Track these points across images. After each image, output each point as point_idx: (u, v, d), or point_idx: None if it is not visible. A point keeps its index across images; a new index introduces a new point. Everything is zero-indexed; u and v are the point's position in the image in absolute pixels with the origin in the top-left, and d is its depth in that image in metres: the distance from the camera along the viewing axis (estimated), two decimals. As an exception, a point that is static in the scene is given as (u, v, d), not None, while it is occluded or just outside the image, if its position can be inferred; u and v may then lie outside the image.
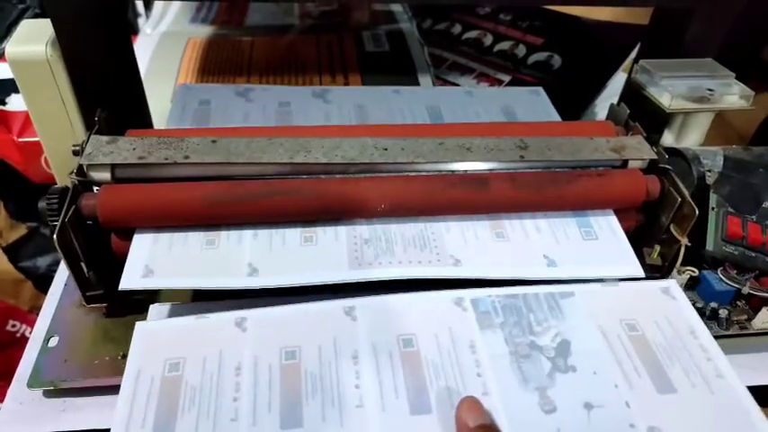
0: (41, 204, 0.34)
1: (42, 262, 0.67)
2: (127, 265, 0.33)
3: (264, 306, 0.33)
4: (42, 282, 0.67)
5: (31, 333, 0.37)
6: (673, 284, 0.36)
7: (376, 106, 0.49)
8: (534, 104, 0.52)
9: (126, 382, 0.29)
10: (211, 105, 0.48)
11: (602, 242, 0.37)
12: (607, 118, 0.45)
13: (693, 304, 0.38)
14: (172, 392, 0.28)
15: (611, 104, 0.45)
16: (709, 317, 0.38)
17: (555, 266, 0.35)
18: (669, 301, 0.34)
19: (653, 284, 0.35)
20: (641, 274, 0.36)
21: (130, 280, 0.32)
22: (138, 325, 0.32)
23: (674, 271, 0.38)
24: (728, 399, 0.29)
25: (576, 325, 0.32)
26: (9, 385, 0.34)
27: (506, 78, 0.69)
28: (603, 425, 0.28)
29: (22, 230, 0.68)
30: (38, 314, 0.38)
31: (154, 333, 0.31)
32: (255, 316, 0.32)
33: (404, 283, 0.34)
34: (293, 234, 0.36)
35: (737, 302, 0.39)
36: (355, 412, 0.28)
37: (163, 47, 0.69)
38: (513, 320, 0.32)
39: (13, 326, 0.65)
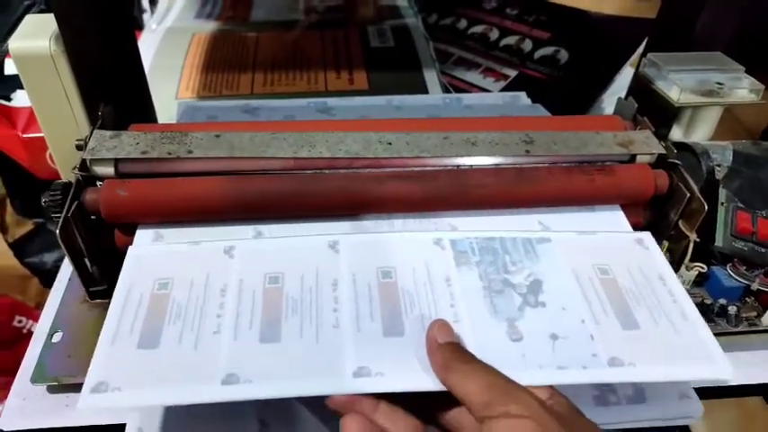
0: (44, 199, 0.34)
1: (49, 258, 0.68)
2: (138, 231, 0.35)
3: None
4: (49, 277, 0.67)
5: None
6: (647, 236, 0.36)
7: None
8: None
9: (117, 295, 0.31)
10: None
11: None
12: (615, 112, 0.44)
13: (702, 300, 0.38)
14: (159, 307, 0.30)
15: (619, 98, 0.44)
16: (717, 313, 0.37)
17: (549, 230, 0.37)
18: (642, 251, 0.35)
19: (628, 235, 0.37)
20: (629, 231, 0.37)
21: (143, 244, 0.34)
22: (131, 249, 0.33)
23: (683, 267, 0.37)
24: (691, 338, 0.30)
25: (549, 267, 0.34)
26: (15, 380, 0.34)
27: (513, 73, 0.68)
28: (567, 353, 0.29)
29: (28, 226, 0.68)
30: (43, 310, 0.38)
31: (145, 256, 0.33)
32: (244, 246, 0.34)
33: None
34: None
35: (747, 299, 0.39)
36: (332, 332, 0.29)
37: (167, 42, 0.69)
38: (488, 260, 0.34)
39: (20, 321, 0.66)
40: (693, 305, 0.32)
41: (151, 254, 0.33)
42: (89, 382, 0.27)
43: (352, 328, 0.30)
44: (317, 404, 0.31)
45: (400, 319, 0.30)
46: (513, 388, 0.25)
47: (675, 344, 0.30)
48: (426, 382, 0.27)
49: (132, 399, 0.27)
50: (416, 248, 0.34)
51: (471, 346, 0.29)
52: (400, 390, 0.27)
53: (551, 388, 0.27)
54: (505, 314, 0.31)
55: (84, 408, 0.26)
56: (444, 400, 0.27)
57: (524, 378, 0.27)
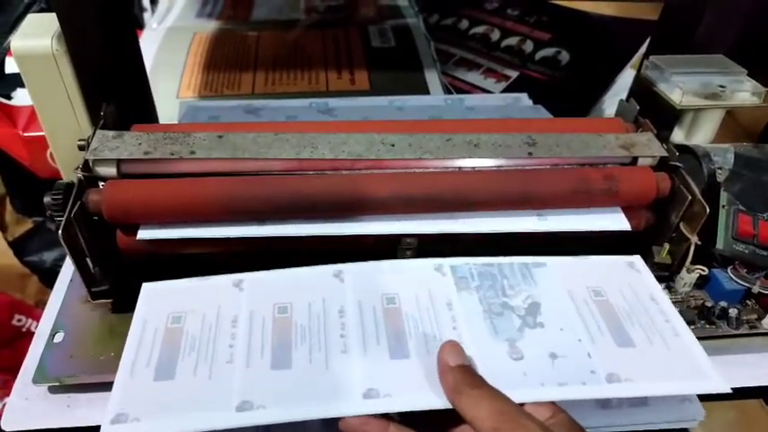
0: (47, 199, 0.34)
1: (48, 256, 0.68)
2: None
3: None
4: (48, 276, 0.67)
5: (36, 327, 0.36)
6: (637, 259, 0.37)
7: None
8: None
9: (132, 330, 0.32)
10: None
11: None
12: (616, 114, 0.44)
13: (703, 303, 0.38)
14: (173, 340, 0.31)
15: (621, 100, 0.44)
16: (718, 316, 0.37)
17: (545, 220, 0.37)
18: (634, 274, 0.37)
19: (620, 259, 0.38)
20: (627, 227, 0.37)
21: (149, 231, 0.35)
22: (145, 285, 0.34)
23: (684, 269, 0.38)
24: (683, 354, 0.31)
25: (546, 290, 0.35)
26: (15, 379, 0.34)
27: (514, 74, 0.68)
28: (566, 371, 0.30)
29: (27, 225, 0.68)
30: (43, 309, 0.38)
31: (158, 292, 0.34)
32: (252, 278, 0.35)
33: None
34: None
35: (747, 301, 0.39)
36: (340, 357, 0.30)
37: (169, 41, 0.69)
38: (488, 284, 0.35)
39: (19, 320, 0.66)
40: (685, 324, 0.33)
41: (164, 289, 0.34)
42: (109, 413, 0.28)
43: (359, 352, 0.31)
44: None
45: (405, 342, 0.31)
46: (520, 416, 0.26)
47: (669, 360, 0.31)
48: (432, 400, 0.28)
49: (151, 428, 0.27)
50: (418, 275, 0.35)
51: (474, 366, 0.30)
52: (408, 409, 0.28)
53: (553, 405, 0.28)
54: (506, 335, 0.32)
55: None
56: (452, 417, 0.28)
57: (527, 395, 0.28)
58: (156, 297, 0.34)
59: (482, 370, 0.29)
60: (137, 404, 0.28)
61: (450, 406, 0.28)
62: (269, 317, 0.32)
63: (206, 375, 0.29)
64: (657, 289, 0.35)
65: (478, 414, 0.26)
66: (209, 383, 0.29)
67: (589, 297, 0.34)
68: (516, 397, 0.27)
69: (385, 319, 0.32)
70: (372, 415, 0.28)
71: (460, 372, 0.28)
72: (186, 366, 0.30)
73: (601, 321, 0.33)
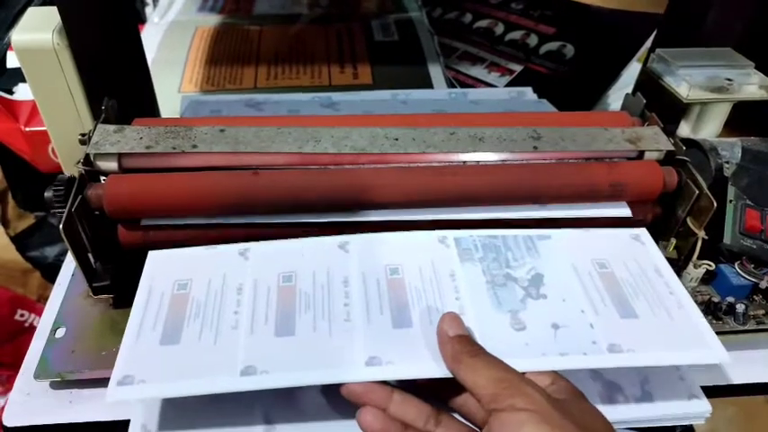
0: (48, 194, 0.34)
1: (50, 251, 0.68)
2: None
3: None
4: (50, 271, 0.67)
5: (39, 323, 0.36)
6: (643, 232, 0.37)
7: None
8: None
9: (139, 296, 0.32)
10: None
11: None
12: (622, 108, 0.44)
13: (709, 298, 0.38)
14: (180, 306, 0.32)
15: (627, 94, 0.44)
16: (725, 311, 0.37)
17: (547, 208, 0.37)
18: (639, 246, 0.36)
19: (625, 231, 0.37)
20: (629, 213, 0.38)
21: (153, 219, 0.35)
22: (151, 253, 0.34)
23: (691, 264, 0.37)
24: (686, 325, 0.31)
25: (550, 262, 0.35)
26: (17, 375, 0.34)
27: (518, 68, 0.68)
28: (568, 341, 0.30)
29: (30, 220, 0.68)
30: (45, 304, 0.38)
31: (165, 259, 0.34)
32: (258, 247, 0.35)
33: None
34: None
35: (755, 297, 0.38)
36: (343, 325, 0.31)
37: (171, 36, 0.68)
38: (491, 256, 0.35)
39: (22, 315, 0.66)
40: (689, 296, 0.33)
41: (170, 257, 0.34)
42: (115, 375, 0.28)
43: (362, 320, 0.31)
44: (322, 401, 0.32)
45: (408, 311, 0.31)
46: (518, 381, 0.26)
47: (672, 331, 0.31)
48: (434, 369, 0.29)
49: (157, 390, 0.28)
50: (422, 247, 0.35)
51: (477, 337, 0.30)
52: (409, 377, 0.28)
53: (554, 373, 0.28)
54: (508, 306, 0.32)
55: (112, 400, 0.27)
56: (453, 386, 0.28)
57: (528, 365, 0.28)
58: (162, 264, 0.34)
59: (484, 340, 0.29)
60: (143, 367, 0.28)
61: (449, 375, 0.28)
62: (274, 285, 0.33)
63: (211, 341, 0.30)
64: (662, 262, 0.35)
65: (478, 381, 0.26)
66: (213, 348, 0.29)
67: (593, 269, 0.34)
68: (517, 366, 0.27)
69: (389, 290, 0.32)
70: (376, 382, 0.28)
71: (459, 341, 0.28)
72: (192, 331, 0.30)
73: (604, 293, 0.33)
